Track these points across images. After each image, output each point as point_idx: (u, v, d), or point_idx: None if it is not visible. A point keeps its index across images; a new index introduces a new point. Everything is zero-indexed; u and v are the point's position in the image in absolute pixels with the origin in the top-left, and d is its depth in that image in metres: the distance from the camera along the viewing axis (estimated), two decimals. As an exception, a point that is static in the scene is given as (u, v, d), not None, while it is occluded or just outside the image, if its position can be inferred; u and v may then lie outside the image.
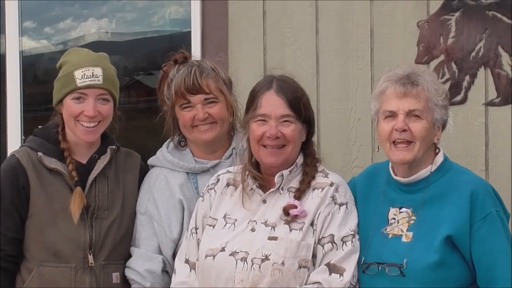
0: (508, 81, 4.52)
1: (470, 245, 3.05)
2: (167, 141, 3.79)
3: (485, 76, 4.62)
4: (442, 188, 3.17)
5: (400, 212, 3.21)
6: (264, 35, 4.86)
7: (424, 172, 3.19)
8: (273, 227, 3.19)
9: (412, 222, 3.16)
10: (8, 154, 4.14)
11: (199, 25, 4.98)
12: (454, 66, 4.47)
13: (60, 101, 3.62)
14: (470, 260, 3.08)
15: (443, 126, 3.26)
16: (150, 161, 3.77)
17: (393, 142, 3.16)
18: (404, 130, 3.13)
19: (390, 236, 3.19)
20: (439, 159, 3.23)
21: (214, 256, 3.21)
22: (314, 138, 3.49)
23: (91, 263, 3.59)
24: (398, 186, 3.24)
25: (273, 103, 3.23)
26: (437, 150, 3.25)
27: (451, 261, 3.07)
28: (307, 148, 3.34)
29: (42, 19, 5.14)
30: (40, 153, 3.61)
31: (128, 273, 3.64)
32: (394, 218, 3.21)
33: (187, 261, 3.39)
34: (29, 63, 5.18)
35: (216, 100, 3.60)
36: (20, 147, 3.81)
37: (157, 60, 4.33)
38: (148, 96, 4.14)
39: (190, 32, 5.08)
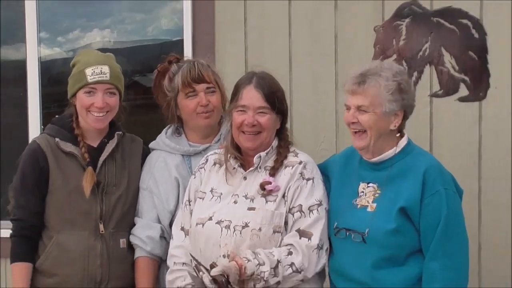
0: (449, 76, 4.71)
1: (420, 217, 3.10)
2: (165, 128, 3.86)
3: (430, 72, 4.77)
4: (403, 167, 3.21)
5: (368, 187, 3.26)
6: (245, 38, 4.97)
7: (388, 154, 3.23)
8: (252, 200, 3.27)
9: (377, 195, 3.21)
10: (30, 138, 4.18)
11: (190, 32, 5.03)
12: (404, 64, 4.64)
13: (74, 94, 3.69)
14: (419, 229, 3.11)
15: (406, 115, 3.25)
16: (151, 145, 3.85)
17: (353, 131, 3.23)
18: (353, 122, 3.20)
19: (358, 206, 3.24)
20: (403, 142, 3.26)
21: (203, 224, 3.29)
22: (289, 125, 3.48)
23: (102, 231, 3.68)
24: (367, 165, 3.30)
25: (251, 96, 3.29)
26: (403, 136, 3.27)
27: (405, 229, 3.11)
28: (281, 133, 3.40)
29: (55, 30, 5.22)
30: (57, 139, 3.68)
31: (132, 239, 3.71)
32: (363, 192, 3.26)
33: (182, 229, 3.46)
34: (45, 67, 5.22)
35: (215, 90, 3.68)
36: (40, 134, 3.89)
37: (152, 64, 4.37)
38: (144, 94, 4.21)
39: (179, 40, 5.15)
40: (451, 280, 3.07)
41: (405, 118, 3.26)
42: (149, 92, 4.10)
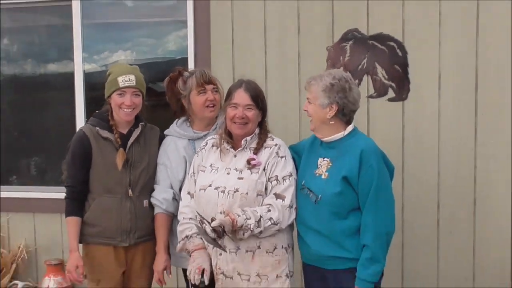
0: (380, 83, 4.76)
1: (358, 183, 3.13)
2: (176, 120, 3.82)
3: (367, 80, 4.77)
4: (347, 147, 3.21)
5: (324, 160, 3.27)
6: (233, 55, 4.97)
7: (337, 136, 3.25)
8: (240, 171, 3.27)
9: (329, 166, 3.23)
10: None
11: (193, 50, 5.04)
12: (348, 73, 4.57)
13: (109, 96, 3.69)
14: (358, 192, 3.16)
15: (342, 110, 3.21)
16: (165, 132, 3.80)
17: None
18: (306, 110, 3.33)
19: (317, 174, 3.27)
20: (349, 129, 3.26)
21: (204, 189, 3.30)
22: (267, 118, 3.50)
23: (130, 195, 3.69)
24: (324, 144, 3.31)
25: (241, 96, 3.31)
26: (349, 124, 3.29)
27: (347, 192, 3.15)
28: (262, 124, 3.41)
29: (93, 51, 5.27)
30: (97, 128, 3.69)
31: (152, 200, 3.71)
32: (320, 164, 3.27)
33: (189, 193, 3.46)
34: (87, 78, 5.23)
35: (217, 90, 3.68)
36: (84, 125, 3.91)
37: (160, 75, 4.39)
38: (155, 96, 4.22)
39: (181, 58, 5.12)
40: (380, 228, 3.12)
41: (341, 112, 3.22)
42: (159, 95, 4.17)
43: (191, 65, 4.94)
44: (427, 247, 4.75)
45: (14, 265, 5.38)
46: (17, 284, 5.19)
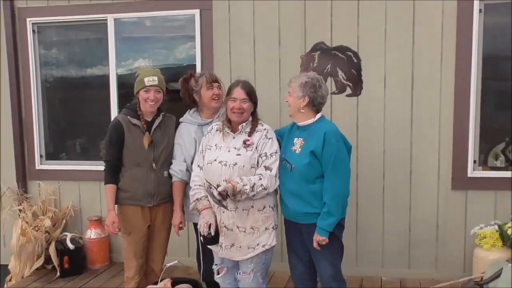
0: (341, 83, 4.75)
1: (322, 156, 3.12)
2: (188, 110, 3.73)
3: (330, 81, 4.71)
4: (315, 129, 3.20)
5: (298, 139, 3.26)
6: (230, 62, 4.91)
7: (308, 122, 3.25)
8: (238, 149, 3.23)
9: (302, 144, 3.22)
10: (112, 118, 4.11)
11: (200, 58, 4.95)
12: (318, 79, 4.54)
13: (137, 92, 3.60)
14: (322, 163, 3.15)
15: (312, 102, 3.25)
16: (180, 119, 3.71)
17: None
18: (287, 101, 3.34)
19: (292, 150, 3.25)
20: (317, 116, 3.26)
21: (211, 163, 3.26)
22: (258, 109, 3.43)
23: (154, 167, 3.63)
24: (299, 128, 3.30)
25: (238, 92, 3.27)
26: (319, 113, 3.29)
27: (314, 163, 3.14)
28: (254, 113, 3.35)
29: (122, 58, 5.18)
30: (128, 116, 3.63)
31: (170, 171, 3.63)
32: (295, 142, 3.26)
33: (198, 166, 3.39)
34: (118, 79, 5.15)
35: (221, 87, 3.63)
36: (118, 114, 3.83)
37: (173, 77, 4.36)
38: (169, 94, 4.08)
39: (188, 65, 4.99)
40: (336, 191, 3.13)
41: (311, 103, 3.25)
42: (171, 92, 4.04)
43: (198, 69, 4.85)
44: (375, 206, 4.76)
45: (64, 221, 5.36)
46: (66, 235, 5.15)
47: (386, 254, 4.75)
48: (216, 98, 3.60)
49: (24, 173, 5.48)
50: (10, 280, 5.16)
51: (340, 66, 4.69)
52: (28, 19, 5.33)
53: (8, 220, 5.35)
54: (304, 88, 3.23)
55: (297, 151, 3.23)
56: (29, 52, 5.37)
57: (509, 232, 4.11)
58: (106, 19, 5.14)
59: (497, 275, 3.66)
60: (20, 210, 5.25)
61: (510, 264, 3.63)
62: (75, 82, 5.47)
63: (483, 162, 4.59)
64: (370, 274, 4.72)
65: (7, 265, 5.21)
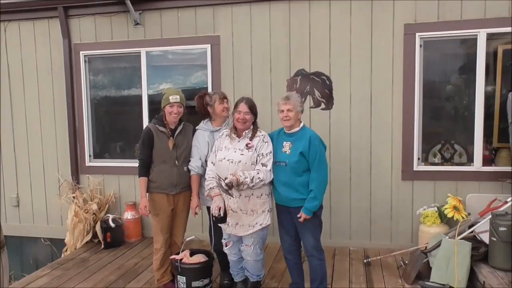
0: (317, 99, 4.62)
1: (308, 155, 3.01)
2: (202, 120, 3.57)
3: (309, 98, 4.60)
4: (301, 135, 3.09)
5: (287, 143, 3.12)
6: (233, 84, 4.79)
7: (296, 129, 3.12)
8: (242, 150, 3.11)
9: (291, 146, 3.09)
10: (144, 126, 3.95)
11: (211, 82, 4.83)
12: (299, 95, 4.38)
13: (164, 107, 3.48)
14: (308, 160, 3.04)
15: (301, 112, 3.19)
16: (197, 127, 3.54)
17: (283, 119, 3.12)
18: (286, 116, 3.11)
19: (283, 151, 3.11)
20: (301, 125, 3.15)
21: (221, 161, 3.14)
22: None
23: (176, 164, 3.48)
24: (287, 134, 3.15)
25: (242, 107, 3.15)
26: (301, 122, 3.17)
27: (302, 160, 3.03)
28: (254, 123, 3.21)
29: (151, 82, 5.03)
30: (157, 125, 3.50)
31: (189, 167, 3.47)
32: (285, 145, 3.11)
33: (212, 162, 3.26)
34: (148, 98, 4.99)
35: (229, 102, 3.49)
36: (149, 123, 3.65)
37: (189, 96, 4.21)
38: (187, 108, 3.94)
39: (201, 87, 4.85)
40: (320, 179, 3.03)
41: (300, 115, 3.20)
42: (189, 107, 3.85)
43: (209, 90, 4.75)
44: (344, 192, 4.66)
45: (107, 205, 5.23)
46: (108, 216, 5.03)
47: (353, 229, 4.64)
48: (226, 110, 3.48)
49: (77, 169, 5.34)
50: (66, 250, 5.04)
51: (316, 87, 4.57)
52: (81, 52, 5.22)
53: (65, 205, 5.22)
54: (300, 104, 3.16)
55: (287, 152, 3.09)
56: (81, 77, 5.25)
57: (445, 212, 4.06)
58: (140, 52, 5.04)
59: (437, 245, 3.58)
60: (73, 197, 5.11)
61: (447, 237, 3.56)
62: (115, 99, 5.33)
63: (424, 159, 4.50)
64: (341, 245, 4.64)
65: (64, 239, 5.08)
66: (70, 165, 5.31)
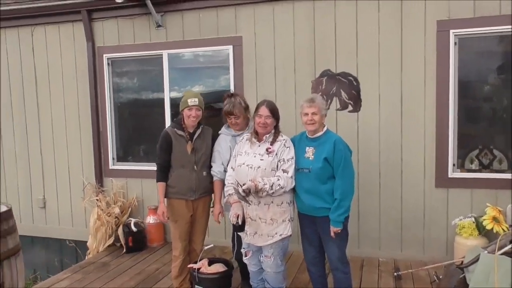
0: (344, 101, 4.39)
1: (333, 161, 2.82)
2: (224, 125, 3.44)
3: (336, 100, 4.37)
4: (325, 139, 2.91)
5: (310, 148, 2.93)
6: (256, 86, 4.64)
7: (319, 133, 2.94)
8: (262, 155, 2.94)
9: (314, 152, 2.90)
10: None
11: (233, 84, 4.70)
12: (324, 97, 4.24)
13: (182, 110, 3.37)
14: (333, 166, 2.84)
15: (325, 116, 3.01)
16: (219, 132, 3.43)
17: (306, 123, 2.93)
18: (311, 119, 2.92)
19: (305, 157, 2.92)
20: (325, 129, 2.97)
21: (241, 166, 2.99)
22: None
23: (195, 168, 3.36)
24: (309, 139, 2.97)
25: (263, 110, 2.99)
26: (325, 126, 2.98)
27: (326, 166, 2.84)
28: (276, 127, 3.03)
29: (174, 85, 4.95)
30: (175, 128, 3.39)
31: (212, 172, 3.36)
32: (307, 151, 2.93)
33: (232, 168, 3.10)
34: (172, 101, 4.93)
35: (239, 117, 3.31)
36: (167, 127, 3.57)
37: (213, 99, 4.24)
38: (211, 110, 3.86)
39: (225, 89, 4.67)
40: (345, 188, 2.84)
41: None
42: (211, 109, 3.79)
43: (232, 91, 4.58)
44: (373, 199, 4.41)
45: (129, 209, 5.18)
46: (131, 220, 4.98)
47: (382, 238, 4.38)
48: (236, 125, 3.33)
49: (100, 172, 5.32)
50: (89, 254, 5.00)
51: (343, 88, 4.35)
52: (104, 55, 5.20)
53: (88, 208, 5.20)
54: (325, 107, 3.02)
55: (310, 158, 2.91)
56: (105, 80, 5.23)
57: (484, 223, 3.77)
58: (162, 54, 4.96)
59: (475, 260, 3.25)
60: (97, 200, 5.08)
61: (485, 251, 3.24)
62: (138, 102, 5.27)
63: (460, 165, 4.17)
64: (369, 256, 4.37)
65: (86, 242, 5.04)
66: (94, 168, 5.30)
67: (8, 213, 3.07)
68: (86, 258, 4.95)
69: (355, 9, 4.27)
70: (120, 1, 4.66)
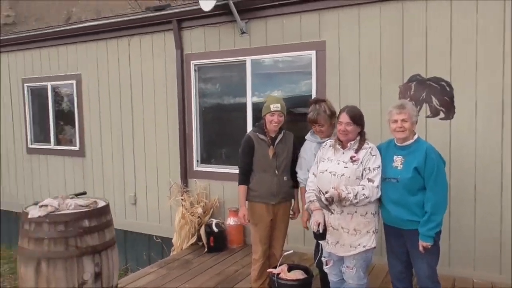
0: (434, 108, 4.11)
1: (424, 171, 2.68)
2: (310, 131, 3.37)
3: (425, 107, 4.12)
4: (416, 148, 2.77)
5: (398, 157, 2.80)
6: (339, 91, 4.52)
7: (409, 142, 2.80)
8: (346, 163, 2.83)
9: (403, 161, 2.77)
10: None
11: (315, 89, 4.64)
12: (413, 102, 4.00)
13: (264, 115, 3.40)
14: (424, 177, 2.69)
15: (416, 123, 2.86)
16: (306, 137, 3.38)
17: (395, 130, 2.80)
18: (400, 127, 2.79)
19: (393, 166, 2.80)
20: (415, 136, 2.81)
21: (323, 172, 2.90)
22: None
23: (276, 173, 3.38)
24: (398, 147, 2.84)
25: (344, 117, 2.88)
26: (415, 134, 2.83)
27: (416, 177, 2.70)
28: (361, 134, 2.91)
29: (256, 90, 5.03)
30: (257, 133, 3.43)
31: (298, 179, 3.36)
32: (395, 160, 2.80)
33: (313, 174, 3.04)
34: (253, 106, 4.98)
35: (323, 125, 3.24)
36: (249, 131, 3.63)
37: (295, 104, 4.22)
38: (291, 115, 3.84)
39: (306, 95, 4.66)
40: (437, 200, 2.68)
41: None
42: (291, 114, 3.76)
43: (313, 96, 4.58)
44: (467, 214, 4.06)
45: (211, 210, 5.34)
46: (212, 221, 5.13)
47: (478, 257, 4.01)
48: (321, 131, 3.29)
49: (185, 173, 5.57)
50: (173, 250, 5.25)
51: (434, 94, 4.06)
52: (191, 62, 5.44)
53: (174, 207, 5.47)
54: (415, 113, 2.87)
55: (398, 167, 2.78)
56: (191, 86, 5.47)
57: None
58: (245, 60, 5.07)
59: None
60: (181, 199, 5.33)
61: None
62: (222, 107, 5.44)
63: None
64: (462, 276, 4.02)
65: (171, 239, 5.30)
66: (180, 169, 5.57)
67: (106, 208, 3.35)
68: (171, 254, 5.22)
69: (449, 11, 3.97)
70: (208, 10, 4.86)
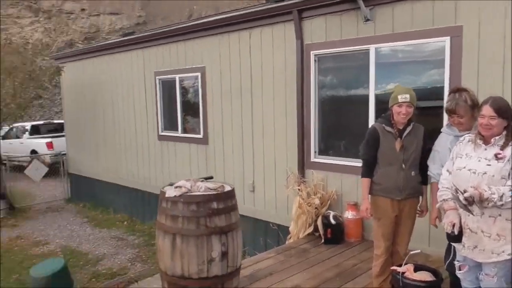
0: None
1: None
2: (447, 123, 3.21)
3: None
4: None
5: None
6: (477, 81, 4.10)
7: None
8: (489, 160, 2.57)
9: None
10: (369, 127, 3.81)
11: (448, 81, 4.30)
12: None
13: (392, 106, 3.27)
14: None
15: None
16: (441, 129, 3.21)
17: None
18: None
19: None
20: None
21: (460, 170, 2.67)
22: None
23: (403, 167, 3.26)
24: None
25: (487, 110, 2.61)
26: None
27: None
28: (507, 128, 2.63)
29: (378, 81, 4.85)
30: (383, 125, 3.32)
31: (429, 173, 3.22)
32: None
33: (447, 170, 2.81)
34: (376, 98, 4.87)
35: (462, 116, 3.03)
36: (375, 122, 3.55)
37: (423, 96, 3.97)
38: (418, 108, 3.58)
39: (434, 87, 4.37)
40: None
41: None
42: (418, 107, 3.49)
43: (445, 92, 4.23)
44: None
45: (328, 202, 5.37)
46: (330, 213, 5.16)
47: None
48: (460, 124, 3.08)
49: (303, 163, 5.67)
50: (289, 238, 5.42)
51: None
52: (311, 52, 5.47)
53: (290, 196, 5.60)
54: None
55: None
56: (311, 76, 5.51)
57: None
58: (368, 49, 4.93)
59: None
60: (298, 189, 5.44)
61: None
62: (342, 98, 5.38)
63: None
64: None
65: (288, 227, 5.48)
66: (297, 159, 5.68)
67: (231, 193, 3.59)
68: (287, 242, 5.38)
69: None
70: (330, -2, 4.83)
